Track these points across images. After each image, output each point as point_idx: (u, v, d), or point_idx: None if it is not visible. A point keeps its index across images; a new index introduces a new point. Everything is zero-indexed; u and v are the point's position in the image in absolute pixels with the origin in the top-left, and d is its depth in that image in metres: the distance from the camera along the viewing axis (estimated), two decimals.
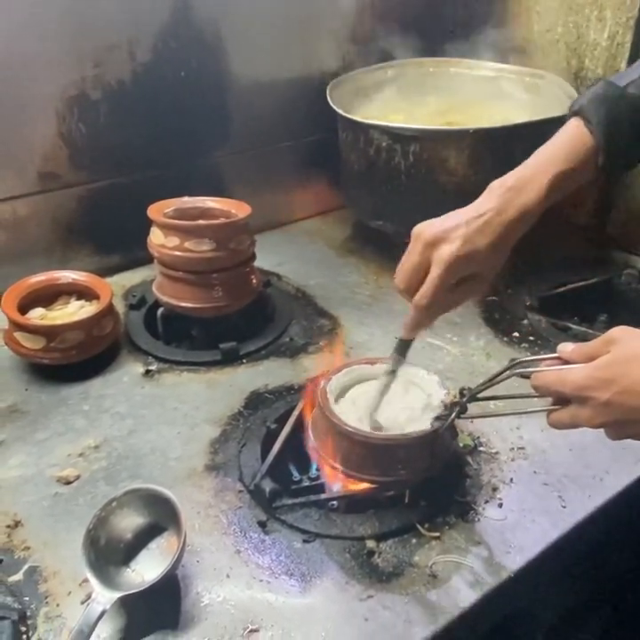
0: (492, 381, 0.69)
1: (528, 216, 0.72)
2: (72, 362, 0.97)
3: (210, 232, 0.98)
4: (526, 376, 0.66)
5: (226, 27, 1.19)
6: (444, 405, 0.75)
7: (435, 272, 0.70)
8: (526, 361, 0.67)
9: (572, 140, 0.75)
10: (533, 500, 0.77)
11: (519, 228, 0.72)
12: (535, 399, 0.68)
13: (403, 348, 0.76)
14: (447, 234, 0.70)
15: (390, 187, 1.18)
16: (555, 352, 0.66)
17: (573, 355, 0.63)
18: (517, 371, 0.66)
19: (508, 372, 0.67)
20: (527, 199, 0.72)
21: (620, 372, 0.58)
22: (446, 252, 0.69)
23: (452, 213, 0.72)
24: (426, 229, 0.71)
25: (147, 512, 0.69)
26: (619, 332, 0.60)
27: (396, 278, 0.75)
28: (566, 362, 0.63)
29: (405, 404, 0.79)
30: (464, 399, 0.72)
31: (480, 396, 0.72)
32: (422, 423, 0.75)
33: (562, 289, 1.18)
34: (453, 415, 0.73)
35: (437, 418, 0.74)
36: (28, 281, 1.03)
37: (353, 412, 0.77)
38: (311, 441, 0.78)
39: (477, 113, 1.30)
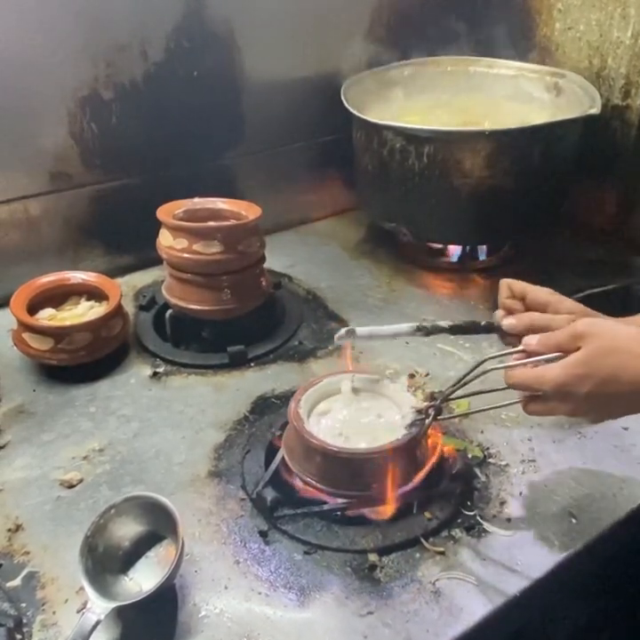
0: (462, 381, 0.70)
1: None
2: (80, 363, 0.97)
3: (218, 234, 0.97)
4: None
5: (239, 26, 1.18)
6: (416, 411, 0.74)
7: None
8: (495, 357, 0.69)
9: None
10: (543, 516, 0.75)
11: None
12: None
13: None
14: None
15: (404, 188, 1.16)
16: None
17: (539, 347, 0.65)
18: (489, 369, 0.67)
19: (478, 370, 0.68)
20: None
21: (596, 366, 0.61)
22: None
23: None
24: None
25: (146, 520, 0.69)
26: (585, 326, 0.63)
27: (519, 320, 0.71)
28: (530, 355, 0.66)
29: (375, 416, 0.77)
30: (437, 402, 0.72)
31: (453, 396, 0.72)
32: (396, 433, 0.74)
33: (579, 295, 1.14)
34: (430, 419, 0.73)
35: (412, 424, 0.73)
36: (37, 281, 1.03)
37: (326, 427, 0.76)
38: (288, 462, 0.76)
39: (495, 113, 1.27)
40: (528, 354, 0.67)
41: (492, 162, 1.10)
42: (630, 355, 0.61)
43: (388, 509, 0.73)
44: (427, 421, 0.73)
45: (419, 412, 0.74)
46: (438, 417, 0.74)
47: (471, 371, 0.69)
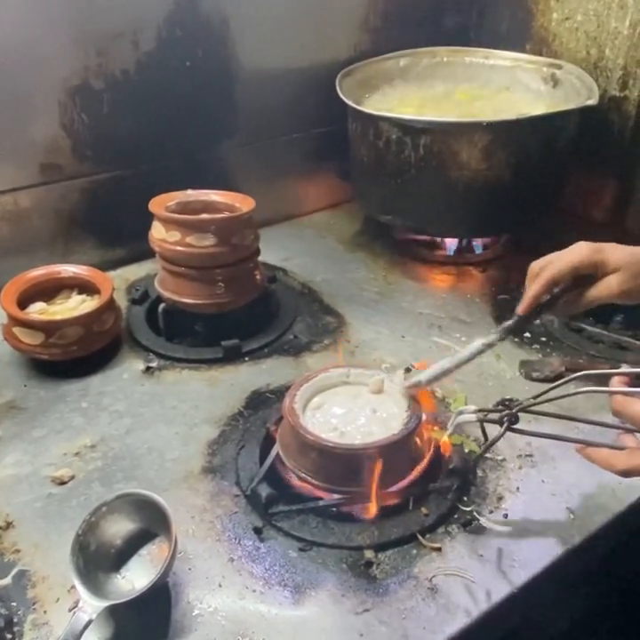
0: (547, 393, 0.64)
1: None
2: (72, 358, 0.96)
3: (212, 227, 0.96)
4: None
5: (233, 15, 1.16)
6: (482, 413, 0.68)
7: None
8: (592, 374, 0.62)
9: None
10: (540, 511, 0.74)
11: None
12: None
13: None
14: None
15: (400, 180, 1.15)
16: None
17: None
18: (583, 390, 0.61)
19: (569, 388, 0.61)
20: None
21: None
22: None
23: None
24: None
25: (138, 517, 0.68)
26: None
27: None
28: (631, 379, 0.59)
29: (370, 411, 0.77)
30: (513, 410, 0.66)
31: (535, 409, 0.66)
32: (391, 428, 0.73)
33: None
34: (503, 429, 0.66)
35: (482, 427, 0.69)
36: (28, 275, 1.01)
37: (321, 422, 0.75)
38: (283, 458, 0.76)
39: (492, 104, 1.26)
40: (632, 379, 0.60)
41: (489, 153, 1.09)
42: None
43: (383, 505, 0.72)
44: (500, 429, 0.67)
45: (482, 412, 0.68)
46: (513, 427, 0.67)
47: (558, 384, 0.63)
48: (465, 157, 1.09)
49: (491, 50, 1.34)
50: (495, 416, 0.68)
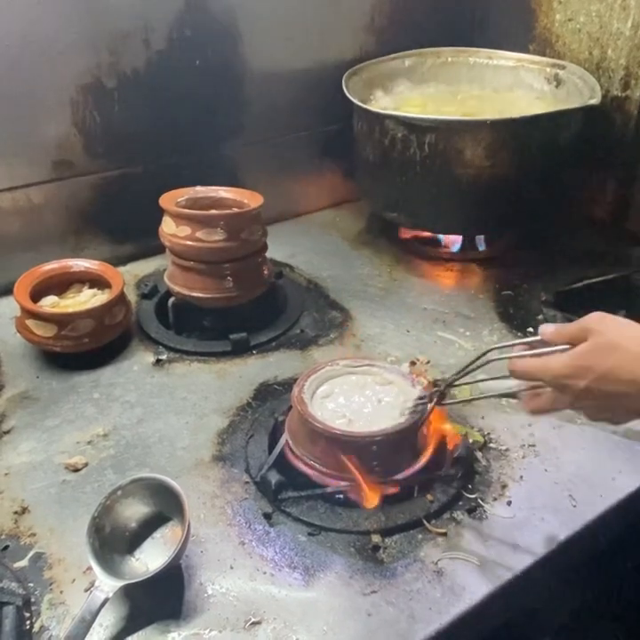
0: (466, 368, 0.71)
1: None
2: (83, 350, 0.98)
3: (221, 222, 0.98)
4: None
5: (241, 15, 1.18)
6: (419, 396, 0.76)
7: None
8: (500, 347, 0.70)
9: None
10: (543, 499, 0.76)
11: None
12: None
13: None
14: None
15: (405, 178, 1.16)
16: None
17: (553, 336, 0.65)
18: (493, 358, 0.68)
19: (482, 359, 0.69)
20: None
21: (597, 360, 0.61)
22: None
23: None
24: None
25: (152, 501, 0.70)
26: (595, 320, 0.63)
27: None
28: (533, 347, 0.67)
29: (376, 400, 0.79)
30: (440, 387, 0.74)
31: (457, 382, 0.73)
32: (397, 417, 0.76)
33: (579, 284, 1.16)
34: (432, 404, 0.74)
35: (413, 409, 0.75)
36: (40, 269, 1.03)
37: (329, 411, 0.78)
38: (291, 446, 0.78)
39: (496, 103, 1.28)
40: (530, 346, 0.67)
41: (492, 151, 1.10)
42: (630, 354, 0.60)
43: (389, 492, 0.74)
44: (429, 406, 0.75)
45: (421, 397, 0.75)
46: (441, 402, 0.75)
47: (476, 359, 0.69)
48: (469, 155, 1.11)
49: (494, 50, 1.36)
50: (424, 398, 0.75)
